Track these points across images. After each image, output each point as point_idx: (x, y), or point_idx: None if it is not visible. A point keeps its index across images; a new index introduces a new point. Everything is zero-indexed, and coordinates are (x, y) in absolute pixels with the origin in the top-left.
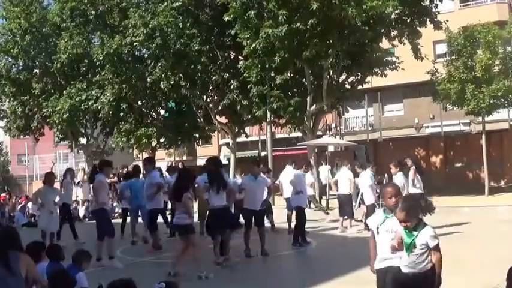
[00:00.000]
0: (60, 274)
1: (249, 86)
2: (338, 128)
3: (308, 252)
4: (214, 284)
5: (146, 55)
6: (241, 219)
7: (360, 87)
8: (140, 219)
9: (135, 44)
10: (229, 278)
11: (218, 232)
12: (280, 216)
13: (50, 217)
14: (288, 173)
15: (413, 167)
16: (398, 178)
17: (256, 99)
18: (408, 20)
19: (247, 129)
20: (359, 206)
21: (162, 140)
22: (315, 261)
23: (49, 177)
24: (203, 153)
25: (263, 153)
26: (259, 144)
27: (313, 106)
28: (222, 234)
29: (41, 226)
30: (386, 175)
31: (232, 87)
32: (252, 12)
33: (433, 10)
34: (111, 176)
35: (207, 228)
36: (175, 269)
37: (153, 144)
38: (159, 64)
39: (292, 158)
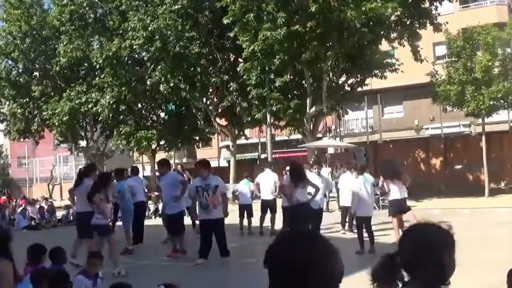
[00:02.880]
0: (59, 274)
1: (248, 88)
2: (338, 130)
3: None
4: (217, 282)
5: (146, 58)
6: None
7: (359, 89)
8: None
9: (134, 47)
10: (226, 279)
11: (303, 225)
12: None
13: None
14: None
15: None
16: (357, 182)
17: (256, 102)
18: (408, 22)
19: (247, 132)
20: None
21: (162, 142)
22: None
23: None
24: (203, 156)
25: (263, 156)
26: (259, 146)
27: (313, 108)
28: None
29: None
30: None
31: (231, 89)
32: (251, 15)
33: (433, 12)
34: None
35: (288, 220)
36: (117, 269)
37: (153, 146)
38: (159, 67)
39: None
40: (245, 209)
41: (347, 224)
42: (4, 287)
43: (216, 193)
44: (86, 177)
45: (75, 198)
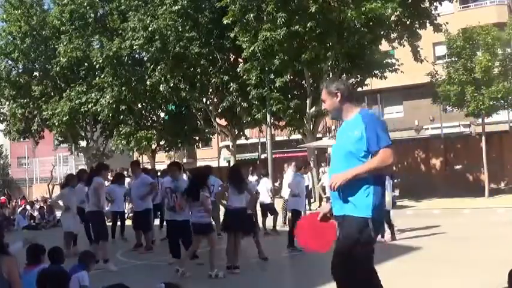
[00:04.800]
0: (58, 274)
1: (248, 89)
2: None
3: (305, 256)
4: (218, 283)
5: (146, 58)
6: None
7: (359, 89)
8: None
9: (134, 47)
10: (224, 283)
11: (231, 232)
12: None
13: (75, 219)
14: (288, 175)
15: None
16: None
17: (256, 102)
18: (408, 22)
19: (247, 132)
20: None
21: (162, 142)
22: (312, 264)
23: (71, 179)
24: (203, 156)
25: (263, 156)
26: (259, 146)
27: (313, 108)
28: (236, 235)
29: (66, 228)
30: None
31: (231, 89)
32: (251, 15)
33: (433, 12)
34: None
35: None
36: (182, 269)
37: (153, 146)
38: (159, 67)
39: (292, 160)
40: (266, 209)
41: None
42: (14, 284)
43: (183, 196)
44: (95, 175)
45: (91, 195)
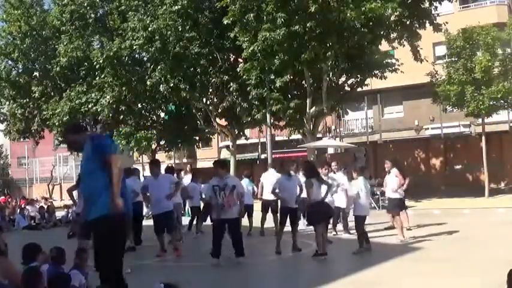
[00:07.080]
0: (59, 277)
1: (248, 89)
2: (338, 130)
3: (304, 256)
4: (217, 283)
5: (146, 58)
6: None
7: (359, 89)
8: None
9: (134, 47)
10: (223, 283)
11: (321, 222)
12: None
13: None
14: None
15: (395, 169)
16: (358, 183)
17: (256, 102)
18: (408, 22)
19: (247, 132)
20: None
21: (162, 142)
22: (313, 264)
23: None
24: (203, 156)
25: (263, 156)
26: (259, 146)
27: (313, 108)
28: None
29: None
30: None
31: (231, 89)
32: (251, 15)
33: (433, 12)
34: None
35: (309, 219)
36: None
37: (153, 146)
38: (159, 67)
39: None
40: (246, 209)
41: (340, 225)
42: (13, 281)
43: (233, 193)
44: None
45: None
